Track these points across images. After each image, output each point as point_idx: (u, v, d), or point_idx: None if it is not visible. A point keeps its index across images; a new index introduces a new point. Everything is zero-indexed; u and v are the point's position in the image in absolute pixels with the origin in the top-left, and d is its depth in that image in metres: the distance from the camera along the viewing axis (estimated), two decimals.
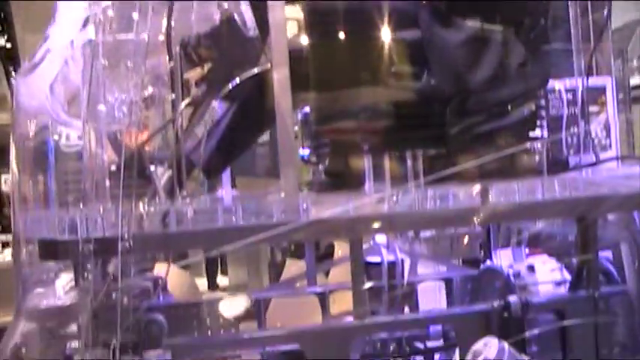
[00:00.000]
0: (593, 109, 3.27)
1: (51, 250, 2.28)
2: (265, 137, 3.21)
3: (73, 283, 2.61)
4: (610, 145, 3.34)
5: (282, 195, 2.37)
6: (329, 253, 6.01)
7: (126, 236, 2.17)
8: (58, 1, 2.99)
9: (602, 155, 3.23)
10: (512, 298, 2.83)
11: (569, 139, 3.15)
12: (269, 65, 2.58)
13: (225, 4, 2.83)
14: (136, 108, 2.66)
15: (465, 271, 3.59)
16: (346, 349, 2.70)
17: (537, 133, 2.95)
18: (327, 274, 4.92)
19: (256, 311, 3.40)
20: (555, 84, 3.14)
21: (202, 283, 10.46)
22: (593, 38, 3.13)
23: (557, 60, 3.15)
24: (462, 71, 2.75)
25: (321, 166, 2.82)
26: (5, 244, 9.73)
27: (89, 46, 2.54)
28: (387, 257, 3.37)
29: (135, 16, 2.58)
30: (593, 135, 3.24)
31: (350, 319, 2.80)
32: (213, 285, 11.27)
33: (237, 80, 2.68)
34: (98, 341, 2.33)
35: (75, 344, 2.58)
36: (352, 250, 2.64)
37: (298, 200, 2.36)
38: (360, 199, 2.41)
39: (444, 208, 2.49)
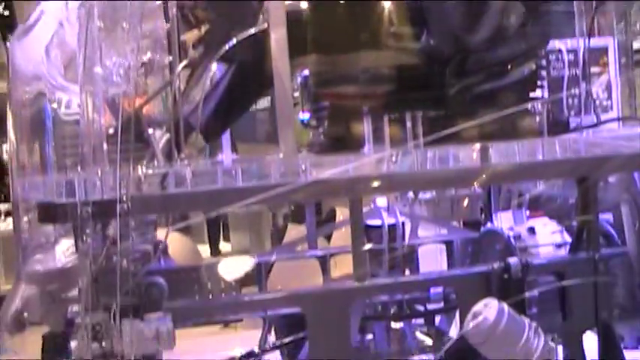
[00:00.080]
0: (594, 70, 3.25)
1: (49, 213, 2.27)
2: (266, 103, 3.20)
3: (73, 248, 2.61)
4: (611, 107, 3.32)
5: (281, 156, 2.35)
6: (331, 217, 6.02)
7: (124, 198, 2.16)
8: None
9: (604, 117, 3.22)
10: (513, 260, 2.83)
11: (570, 100, 3.13)
12: (266, 26, 2.55)
13: None
14: (133, 72, 2.64)
15: (466, 234, 3.58)
16: (346, 311, 2.71)
17: (538, 93, 2.93)
18: (329, 239, 4.93)
19: (257, 275, 3.41)
20: (556, 44, 3.11)
21: (205, 249, 10.48)
22: None
23: (558, 20, 3.12)
24: (461, 31, 2.73)
25: (320, 129, 2.81)
26: (8, 213, 9.75)
27: (84, 7, 2.51)
28: (388, 220, 3.37)
29: None
30: (595, 96, 3.22)
31: (350, 281, 2.80)
32: (215, 251, 11.31)
33: (235, 41, 2.66)
34: (99, 304, 2.34)
35: (76, 308, 2.58)
36: (352, 212, 2.63)
37: (297, 161, 2.35)
38: (360, 159, 2.39)
39: (443, 169, 2.48)
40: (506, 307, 2.52)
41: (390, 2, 2.72)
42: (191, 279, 3.31)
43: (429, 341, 3.47)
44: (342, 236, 3.85)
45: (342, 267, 3.38)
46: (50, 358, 2.56)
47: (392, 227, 3.37)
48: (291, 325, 3.14)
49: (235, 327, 6.99)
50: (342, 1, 2.78)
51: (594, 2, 3.06)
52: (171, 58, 2.62)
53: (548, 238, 3.32)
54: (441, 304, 3.38)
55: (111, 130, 2.51)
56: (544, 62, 3.01)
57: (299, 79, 2.94)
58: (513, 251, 3.13)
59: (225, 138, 3.04)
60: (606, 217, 3.29)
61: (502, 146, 2.65)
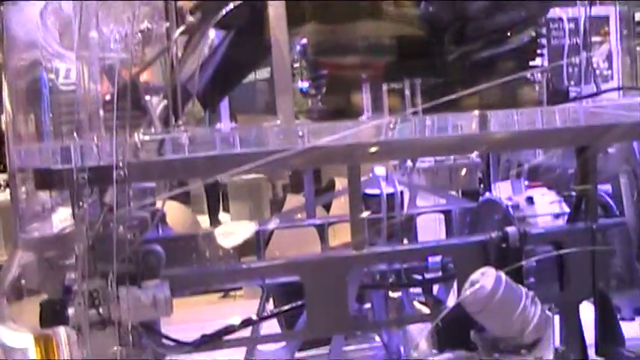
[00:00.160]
0: (595, 39, 3.22)
1: (46, 179, 2.26)
2: (266, 74, 3.17)
3: (70, 217, 2.60)
4: (612, 77, 3.30)
5: (279, 122, 2.34)
6: (330, 188, 6.03)
7: (121, 165, 2.15)
8: None
9: (604, 86, 3.20)
10: (511, 229, 2.83)
11: (571, 70, 3.11)
12: None
13: None
14: (131, 39, 2.61)
15: (464, 203, 3.58)
16: (344, 279, 2.71)
17: (538, 62, 2.91)
18: (328, 210, 4.94)
19: (256, 244, 3.41)
20: (557, 12, 3.09)
21: (204, 220, 10.49)
22: None
23: None
24: None
25: (319, 96, 2.79)
26: (8, 184, 9.72)
27: None
28: (386, 189, 3.36)
29: None
30: (595, 66, 3.20)
31: (348, 250, 2.79)
32: (215, 222, 11.31)
33: (232, 8, 2.63)
34: (96, 271, 2.34)
35: (74, 275, 2.58)
36: (350, 179, 2.62)
37: (295, 127, 2.34)
38: (358, 126, 2.38)
39: (442, 136, 2.46)
40: (503, 275, 2.51)
41: None
42: (189, 247, 3.31)
43: (426, 310, 3.48)
44: (341, 207, 3.85)
45: (341, 237, 3.38)
46: (48, 325, 2.56)
47: (390, 196, 3.37)
48: (290, 294, 3.14)
49: (234, 297, 7.04)
50: None
51: None
52: (168, 24, 2.59)
53: (546, 207, 3.31)
54: (439, 274, 3.38)
55: (108, 97, 2.50)
56: (544, 30, 2.99)
57: (298, 48, 2.92)
58: (511, 221, 3.13)
59: (224, 106, 3.02)
60: (605, 187, 3.29)
61: (501, 115, 2.63)
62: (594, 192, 3.05)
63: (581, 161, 3.00)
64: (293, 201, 6.43)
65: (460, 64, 2.68)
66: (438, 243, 3.14)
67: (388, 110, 2.63)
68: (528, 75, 2.82)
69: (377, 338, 3.64)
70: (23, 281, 2.74)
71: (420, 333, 3.19)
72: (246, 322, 2.76)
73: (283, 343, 3.28)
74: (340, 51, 2.79)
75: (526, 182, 3.50)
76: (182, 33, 2.61)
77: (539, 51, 2.90)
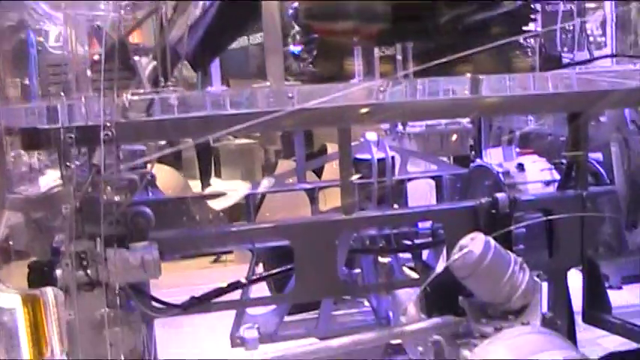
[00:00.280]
0: (589, 5, 3.20)
1: (33, 139, 2.24)
2: (259, 39, 3.14)
3: (59, 180, 2.58)
4: (605, 44, 3.28)
5: (269, 83, 2.31)
6: (322, 153, 6.02)
7: (108, 125, 2.13)
8: None
9: (597, 53, 3.18)
10: (500, 196, 2.82)
11: (564, 36, 3.09)
12: None
13: None
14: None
15: (455, 169, 3.58)
16: (333, 243, 2.71)
17: (531, 27, 2.89)
18: (320, 176, 4.93)
19: (246, 207, 3.41)
20: None
21: (196, 185, 10.47)
22: None
23: None
24: None
25: (309, 59, 2.77)
26: None
27: None
28: (377, 154, 3.35)
29: None
30: (589, 32, 3.18)
31: (338, 214, 2.79)
32: (206, 187, 11.28)
33: None
34: (83, 233, 2.33)
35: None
36: (340, 142, 2.61)
37: (284, 89, 2.31)
38: (348, 88, 2.35)
39: (433, 99, 2.44)
40: (492, 241, 2.51)
41: None
42: (179, 210, 3.30)
43: (415, 276, 3.49)
44: (333, 173, 3.85)
45: (333, 203, 3.38)
46: (36, 286, 2.56)
47: (381, 161, 3.36)
48: (280, 259, 3.14)
49: (225, 262, 7.06)
50: None
51: None
52: None
53: (537, 175, 3.32)
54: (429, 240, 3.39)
55: (96, 57, 2.47)
56: None
57: (290, 12, 2.88)
58: (502, 187, 3.13)
59: (215, 69, 3.00)
60: (596, 155, 3.29)
61: (493, 80, 2.61)
62: (585, 159, 3.04)
63: (572, 128, 2.99)
64: (284, 166, 6.42)
65: (452, 26, 2.65)
66: (427, 208, 3.13)
67: (380, 76, 2.60)
68: (521, 40, 2.79)
69: (366, 303, 3.65)
70: (11, 242, 2.73)
71: (408, 298, 3.19)
72: (234, 285, 2.76)
73: (273, 307, 3.29)
74: (331, 15, 2.75)
75: (517, 149, 3.50)
76: None
77: (532, 16, 2.87)
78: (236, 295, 2.87)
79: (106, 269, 2.34)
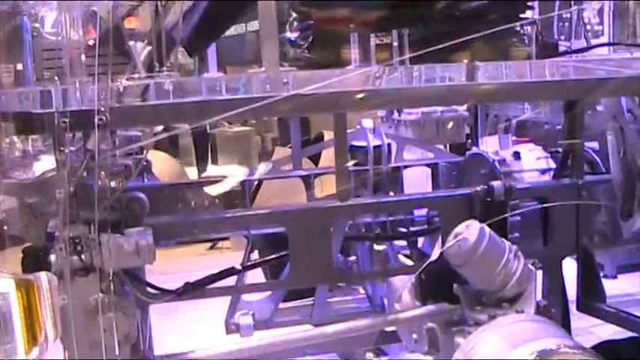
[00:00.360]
0: None
1: (27, 123, 2.23)
2: (256, 26, 3.12)
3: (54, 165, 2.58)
4: (603, 32, 3.27)
5: (264, 69, 2.30)
6: (318, 140, 6.00)
7: (102, 109, 2.12)
8: None
9: (594, 42, 3.18)
10: (496, 183, 2.82)
11: (561, 24, 3.08)
12: None
13: None
14: None
15: (451, 157, 3.57)
16: (328, 230, 2.71)
17: (528, 14, 2.88)
18: (317, 163, 4.93)
19: (242, 193, 3.40)
20: None
21: (192, 172, 10.47)
22: None
23: None
24: None
25: (305, 45, 2.76)
26: None
27: None
28: (373, 142, 3.34)
29: None
30: (586, 21, 3.17)
31: (333, 200, 2.78)
32: (203, 173, 11.28)
33: None
34: (78, 218, 2.32)
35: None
36: (336, 128, 2.60)
37: (279, 74, 2.30)
38: (344, 74, 2.34)
39: (429, 86, 2.44)
40: (487, 229, 2.51)
41: None
42: (175, 196, 3.30)
43: (411, 263, 3.49)
44: (329, 160, 3.84)
45: (330, 190, 3.38)
46: (30, 271, 2.55)
47: (377, 149, 3.35)
48: (275, 245, 3.14)
49: (221, 248, 7.07)
50: None
51: None
52: None
53: (533, 163, 3.32)
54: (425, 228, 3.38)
55: (91, 42, 2.46)
56: None
57: None
58: (497, 175, 3.13)
59: (212, 54, 2.98)
60: (592, 144, 3.29)
61: (490, 67, 2.60)
62: (581, 148, 3.04)
63: (568, 117, 2.99)
64: (281, 153, 6.42)
65: (449, 12, 2.64)
66: (423, 195, 3.13)
67: (377, 63, 2.59)
68: (518, 28, 2.79)
69: (361, 290, 3.65)
70: (6, 227, 2.73)
71: (403, 286, 3.20)
72: (229, 272, 2.76)
73: (268, 293, 3.29)
74: (328, 2, 2.74)
75: (513, 137, 3.50)
76: None
77: (529, 3, 2.86)
78: (231, 281, 2.88)
79: (101, 254, 2.33)
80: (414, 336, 2.77)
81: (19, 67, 2.99)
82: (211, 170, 11.40)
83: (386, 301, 3.45)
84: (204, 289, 2.69)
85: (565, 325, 3.05)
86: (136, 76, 2.37)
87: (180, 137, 9.82)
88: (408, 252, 3.60)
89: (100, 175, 2.29)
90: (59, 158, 2.22)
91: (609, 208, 3.19)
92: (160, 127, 2.66)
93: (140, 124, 2.49)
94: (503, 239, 2.59)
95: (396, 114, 3.64)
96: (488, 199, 2.79)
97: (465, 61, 2.48)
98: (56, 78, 2.27)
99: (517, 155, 3.30)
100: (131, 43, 2.50)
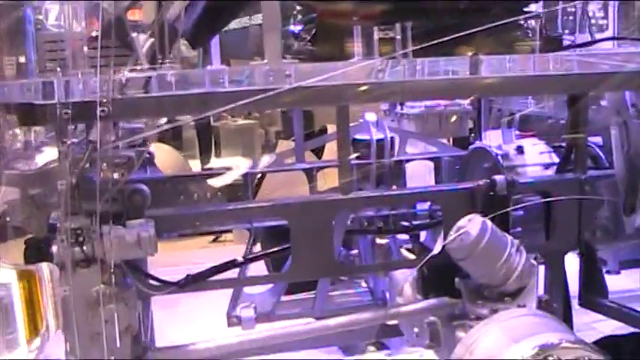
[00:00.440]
0: None
1: (29, 114, 2.22)
2: (261, 20, 3.12)
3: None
4: (607, 26, 3.26)
5: (266, 61, 2.30)
6: (322, 133, 6.00)
7: (105, 101, 2.12)
8: None
9: (599, 36, 3.16)
10: (499, 178, 2.81)
11: (566, 18, 3.07)
12: None
13: None
14: None
15: (454, 151, 3.56)
16: (330, 223, 2.70)
17: (532, 8, 2.87)
18: (320, 157, 4.93)
19: (244, 186, 3.40)
20: None
21: (196, 165, 10.48)
22: None
23: None
24: None
25: (308, 37, 2.75)
26: None
27: None
28: (376, 135, 3.34)
29: None
30: (591, 15, 3.16)
31: (335, 193, 2.78)
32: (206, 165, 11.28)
33: None
34: (80, 209, 2.32)
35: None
36: (338, 121, 2.59)
37: (282, 66, 2.29)
38: (347, 67, 2.34)
39: (432, 79, 2.43)
40: (489, 223, 2.51)
41: None
42: (177, 189, 3.30)
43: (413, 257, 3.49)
44: (333, 154, 3.84)
45: (333, 184, 3.37)
46: (32, 262, 2.56)
47: (380, 142, 3.35)
48: (278, 238, 3.14)
49: (224, 241, 7.07)
50: None
51: None
52: None
53: (536, 157, 3.31)
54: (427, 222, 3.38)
55: (94, 34, 2.45)
56: None
57: None
58: (500, 169, 3.12)
59: (215, 47, 2.98)
60: (596, 139, 3.27)
61: (494, 61, 2.59)
62: (584, 143, 3.03)
63: (572, 111, 2.98)
64: (284, 147, 6.41)
65: (453, 8, 2.63)
66: (425, 189, 3.12)
67: (379, 56, 2.59)
68: (522, 21, 2.78)
69: (363, 284, 3.65)
70: (8, 218, 2.72)
71: (405, 279, 3.20)
72: (231, 264, 2.76)
73: (269, 286, 3.30)
74: None
75: (517, 132, 3.49)
76: None
77: None
78: (233, 273, 2.87)
79: (102, 246, 2.33)
80: (416, 329, 2.78)
81: (22, 59, 3.00)
82: (214, 163, 11.43)
83: (388, 295, 3.45)
84: (206, 281, 2.69)
85: (567, 320, 3.04)
86: (139, 68, 2.36)
87: (183, 130, 9.83)
88: (410, 246, 3.60)
89: (102, 167, 2.28)
90: (61, 149, 2.22)
91: (612, 203, 3.18)
92: (164, 120, 2.66)
93: (143, 116, 2.48)
94: (506, 233, 2.58)
95: (399, 107, 3.63)
96: (491, 193, 2.78)
97: (469, 54, 2.46)
98: (58, 69, 2.27)
99: (520, 149, 3.29)
100: (134, 35, 2.49)
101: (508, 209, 2.70)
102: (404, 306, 2.83)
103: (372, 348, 3.78)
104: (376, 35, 2.62)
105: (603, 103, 3.26)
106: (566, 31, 3.10)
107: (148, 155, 3.01)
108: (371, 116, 3.42)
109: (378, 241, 3.48)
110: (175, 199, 3.29)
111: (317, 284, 3.34)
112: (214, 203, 3.24)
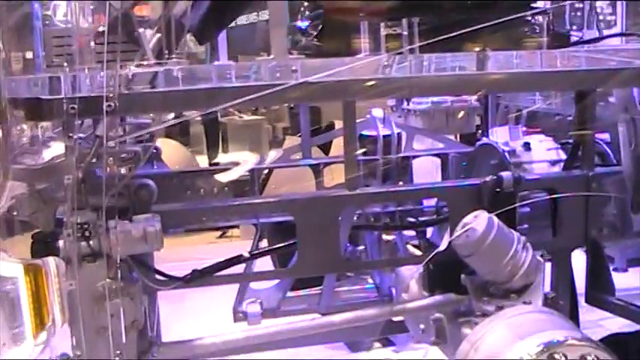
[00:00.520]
0: None
1: (36, 109, 2.23)
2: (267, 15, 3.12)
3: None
4: (615, 22, 3.25)
5: (272, 56, 2.30)
6: (329, 129, 6.00)
7: (111, 96, 2.12)
8: None
9: (607, 32, 3.15)
10: (505, 174, 2.81)
11: (573, 14, 3.06)
12: None
13: None
14: None
15: (461, 147, 3.56)
16: (336, 218, 2.70)
17: (539, 4, 2.86)
18: (327, 153, 4.93)
19: (251, 182, 3.40)
20: None
21: (203, 160, 10.49)
22: None
23: None
24: None
25: (314, 33, 2.75)
26: None
27: None
28: (383, 131, 3.34)
29: None
30: (599, 10, 3.15)
31: (341, 189, 2.78)
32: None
33: None
34: (87, 204, 2.33)
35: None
36: (345, 117, 2.59)
37: (288, 61, 2.29)
38: (353, 62, 2.33)
39: (439, 75, 2.42)
40: (495, 219, 2.50)
41: None
42: (184, 184, 3.30)
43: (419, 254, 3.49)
44: (340, 150, 3.84)
45: (339, 179, 3.37)
46: (38, 256, 2.56)
47: (387, 138, 3.35)
48: (284, 233, 3.14)
49: (231, 237, 7.09)
50: None
51: None
52: None
53: (543, 154, 3.30)
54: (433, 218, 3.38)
55: (101, 29, 2.46)
56: None
57: None
58: (507, 166, 3.12)
59: (222, 42, 2.98)
60: (603, 136, 3.26)
61: (501, 57, 2.58)
62: (591, 139, 3.02)
63: (579, 108, 2.97)
64: (291, 143, 6.42)
65: (460, 4, 2.62)
66: (432, 185, 3.12)
67: (386, 52, 2.59)
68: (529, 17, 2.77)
69: (369, 280, 3.66)
70: (15, 213, 2.73)
71: (411, 275, 3.20)
72: (237, 259, 2.76)
73: (276, 281, 3.30)
74: None
75: (524, 128, 3.48)
76: None
77: None
78: (239, 269, 2.88)
79: (108, 241, 2.34)
80: (421, 326, 2.77)
81: (29, 55, 3.01)
82: (222, 159, 11.43)
83: (394, 291, 3.45)
84: (212, 276, 2.69)
85: (573, 317, 3.03)
86: (145, 63, 2.36)
87: (191, 125, 9.85)
88: (416, 242, 3.60)
89: (109, 162, 2.29)
90: (68, 144, 2.23)
91: (620, 200, 3.17)
92: (171, 115, 2.66)
93: (149, 111, 2.48)
94: (512, 230, 2.58)
95: (405, 103, 3.63)
96: (498, 189, 2.77)
97: (476, 49, 2.46)
98: (65, 64, 2.27)
99: (527, 146, 3.28)
100: (140, 30, 2.50)
101: (515, 206, 2.69)
102: (410, 302, 2.83)
103: (377, 344, 3.78)
104: (383, 31, 2.61)
105: (611, 99, 3.25)
106: (574, 27, 3.08)
107: (154, 150, 3.02)
108: (378, 112, 3.42)
109: (385, 237, 3.48)
110: (182, 195, 3.30)
111: (323, 280, 3.34)
112: (221, 199, 3.24)
